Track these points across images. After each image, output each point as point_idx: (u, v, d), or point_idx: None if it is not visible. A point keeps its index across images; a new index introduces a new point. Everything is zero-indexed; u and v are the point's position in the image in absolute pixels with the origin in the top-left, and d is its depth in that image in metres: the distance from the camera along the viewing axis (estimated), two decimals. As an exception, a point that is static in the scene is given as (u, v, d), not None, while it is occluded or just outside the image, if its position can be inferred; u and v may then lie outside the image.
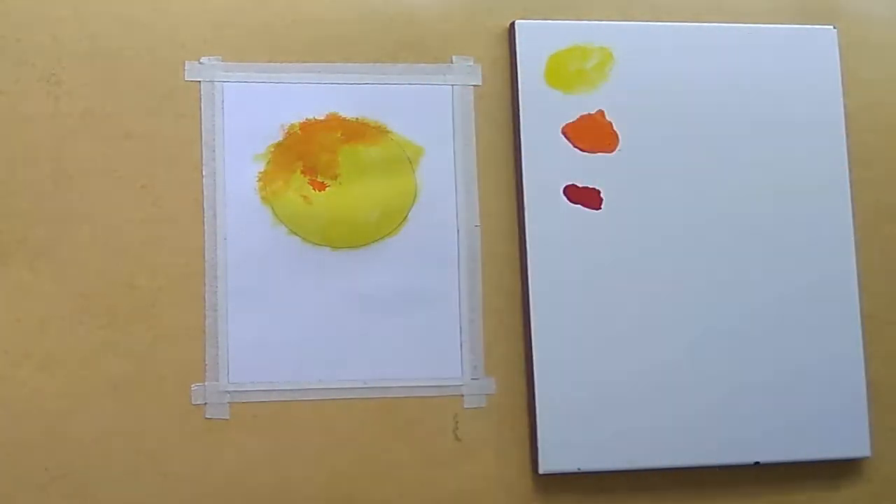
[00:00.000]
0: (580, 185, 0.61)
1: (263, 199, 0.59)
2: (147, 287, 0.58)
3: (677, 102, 0.63)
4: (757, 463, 0.61)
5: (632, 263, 0.61)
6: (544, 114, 0.62)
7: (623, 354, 0.61)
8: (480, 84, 0.62)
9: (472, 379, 0.60)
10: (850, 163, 0.64)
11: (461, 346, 0.60)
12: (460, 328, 0.60)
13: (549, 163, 0.61)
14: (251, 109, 0.60)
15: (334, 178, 0.60)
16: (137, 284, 0.58)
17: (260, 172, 0.60)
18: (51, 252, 0.58)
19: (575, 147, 0.62)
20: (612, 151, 0.62)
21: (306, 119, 0.60)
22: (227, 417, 0.58)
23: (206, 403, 0.58)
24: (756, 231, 0.63)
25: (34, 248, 0.58)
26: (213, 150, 0.59)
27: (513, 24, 0.62)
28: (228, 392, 0.58)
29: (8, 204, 0.58)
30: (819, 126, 0.64)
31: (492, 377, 0.60)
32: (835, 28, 0.65)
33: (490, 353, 0.60)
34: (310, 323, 0.59)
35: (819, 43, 0.65)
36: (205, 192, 0.59)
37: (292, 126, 0.60)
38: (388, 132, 0.61)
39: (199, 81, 0.60)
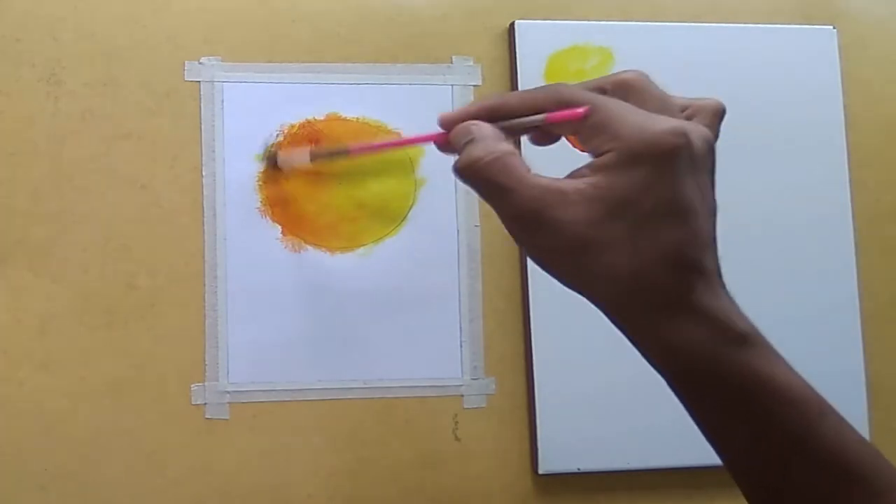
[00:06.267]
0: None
1: (263, 199, 0.59)
2: (147, 287, 0.58)
3: (677, 102, 0.63)
4: (757, 463, 0.61)
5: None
6: (544, 114, 0.61)
7: (623, 354, 0.60)
8: (480, 84, 0.62)
9: (472, 379, 0.60)
10: (850, 163, 0.64)
11: (461, 346, 0.60)
12: (460, 328, 0.60)
13: (549, 163, 0.61)
14: (251, 109, 0.60)
15: (334, 177, 0.60)
16: (137, 284, 0.58)
17: (260, 172, 0.60)
18: (51, 252, 0.58)
19: (575, 147, 0.62)
20: (612, 151, 0.62)
21: (306, 119, 0.60)
22: (227, 417, 0.58)
23: (206, 403, 0.58)
24: (755, 231, 0.63)
25: (34, 248, 0.58)
26: (213, 150, 0.59)
27: (513, 24, 0.62)
28: (228, 392, 0.58)
29: (8, 204, 0.58)
30: (819, 126, 0.64)
31: (492, 377, 0.60)
32: (835, 28, 0.65)
33: (490, 353, 0.60)
34: (309, 323, 0.59)
35: (819, 43, 0.65)
36: (205, 192, 0.59)
37: (292, 126, 0.60)
38: (388, 132, 0.61)
39: (199, 81, 0.60)
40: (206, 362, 0.58)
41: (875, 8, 0.67)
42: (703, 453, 0.62)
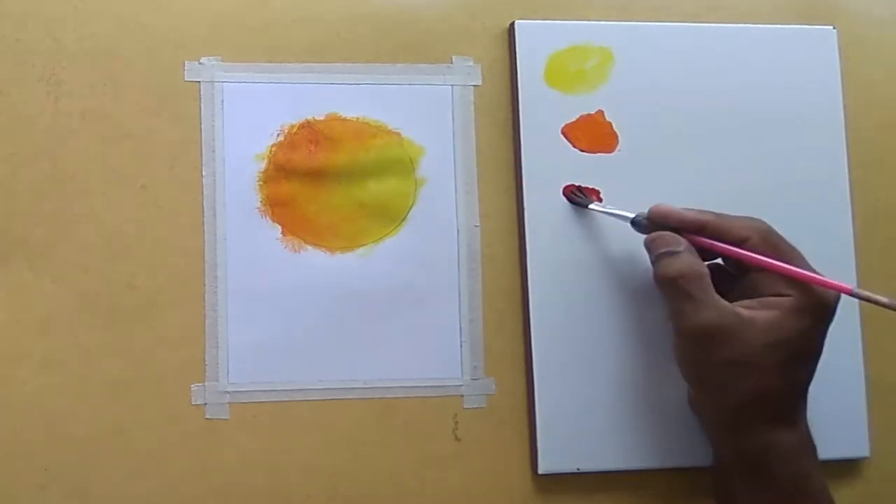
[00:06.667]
0: (580, 185, 0.61)
1: (263, 199, 0.59)
2: (147, 287, 0.58)
3: (677, 102, 0.63)
4: (757, 463, 0.61)
5: (632, 263, 0.61)
6: (544, 114, 0.62)
7: (623, 354, 0.61)
8: (480, 84, 0.62)
9: (472, 379, 0.60)
10: (850, 163, 0.64)
11: (461, 346, 0.60)
12: (460, 328, 0.60)
13: (549, 163, 0.62)
14: (251, 109, 0.60)
15: (334, 177, 0.60)
16: (137, 284, 0.58)
17: (260, 172, 0.60)
18: (51, 252, 0.58)
19: (575, 147, 0.62)
20: (612, 151, 0.62)
21: (306, 119, 0.60)
22: (227, 417, 0.58)
23: (206, 403, 0.58)
24: (756, 231, 0.63)
25: (34, 248, 0.58)
26: (213, 150, 0.59)
27: (513, 24, 0.62)
28: (228, 392, 0.58)
29: (8, 204, 0.58)
30: (819, 126, 0.64)
31: (492, 377, 0.60)
32: (835, 28, 0.65)
33: (490, 353, 0.60)
34: (310, 323, 0.59)
35: (819, 43, 0.65)
36: (205, 192, 0.59)
37: (292, 126, 0.60)
38: (388, 132, 0.61)
39: (199, 81, 0.60)
40: (206, 362, 0.58)
41: (875, 8, 0.67)
42: (703, 453, 0.63)
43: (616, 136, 0.62)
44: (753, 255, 0.51)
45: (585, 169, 0.62)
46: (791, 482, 0.50)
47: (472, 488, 0.59)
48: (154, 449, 0.57)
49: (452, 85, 0.62)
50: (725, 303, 0.49)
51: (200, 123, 0.60)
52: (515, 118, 0.62)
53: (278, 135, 0.60)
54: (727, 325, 0.48)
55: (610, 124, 0.62)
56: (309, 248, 0.60)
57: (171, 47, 0.60)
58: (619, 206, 0.61)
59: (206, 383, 0.58)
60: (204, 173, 0.59)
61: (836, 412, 0.62)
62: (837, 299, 0.50)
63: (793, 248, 0.52)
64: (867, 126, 0.65)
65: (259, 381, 0.58)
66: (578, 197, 0.60)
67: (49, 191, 0.58)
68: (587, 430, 0.59)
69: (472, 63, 0.63)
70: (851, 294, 0.51)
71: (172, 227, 0.59)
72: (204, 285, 0.59)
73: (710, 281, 0.49)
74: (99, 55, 0.59)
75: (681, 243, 0.51)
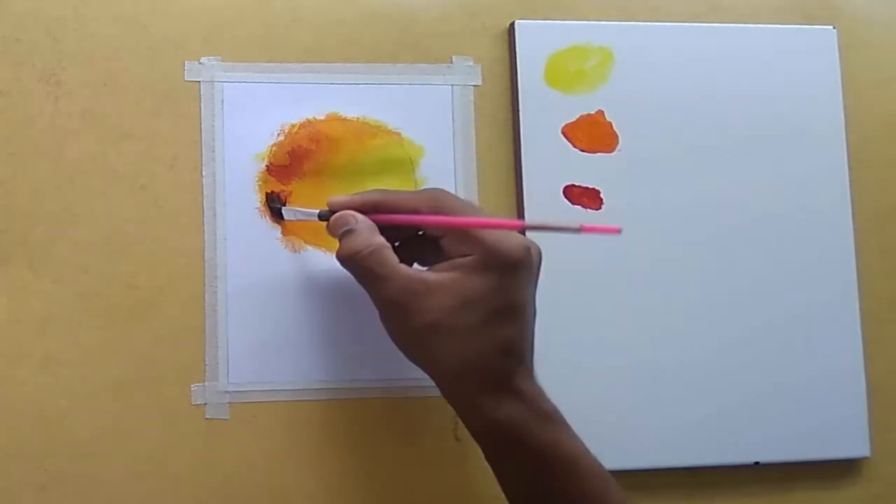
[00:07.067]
0: (580, 185, 0.61)
1: (263, 199, 0.59)
2: (147, 287, 0.58)
3: (677, 102, 0.63)
4: (757, 463, 0.61)
5: (632, 264, 0.61)
6: (544, 114, 0.62)
7: (622, 355, 0.61)
8: (480, 84, 0.62)
9: (472, 379, 0.60)
10: (850, 163, 0.64)
11: (461, 346, 0.60)
12: (460, 328, 0.60)
13: (549, 163, 0.62)
14: (251, 109, 0.60)
15: (335, 177, 0.60)
16: (137, 284, 0.58)
17: (260, 172, 0.60)
18: (51, 252, 0.58)
19: (575, 147, 0.62)
20: (612, 151, 0.62)
21: (306, 119, 0.60)
22: (227, 418, 0.58)
23: (206, 403, 0.58)
24: (756, 231, 0.63)
25: (34, 248, 0.58)
26: (213, 151, 0.59)
27: (513, 24, 0.62)
28: (228, 392, 0.58)
29: (8, 204, 0.58)
30: (819, 126, 0.64)
31: (492, 377, 0.60)
32: (835, 28, 0.65)
33: (490, 353, 0.60)
34: (310, 323, 0.59)
35: (819, 43, 0.65)
36: (205, 192, 0.59)
37: (292, 126, 0.60)
38: (388, 132, 0.61)
39: (199, 81, 0.60)
40: (206, 362, 0.58)
41: (875, 8, 0.67)
42: (703, 453, 0.63)
43: (616, 136, 0.62)
44: (417, 216, 0.50)
45: (585, 169, 0.62)
46: (534, 455, 0.47)
47: (472, 488, 0.59)
48: (154, 449, 0.57)
49: (452, 85, 0.62)
50: (409, 270, 0.48)
51: (200, 123, 0.60)
52: (515, 118, 0.62)
53: (278, 135, 0.60)
54: (413, 293, 0.47)
55: (610, 124, 0.62)
56: (309, 248, 0.60)
57: (171, 47, 0.60)
58: (620, 206, 0.61)
59: (206, 383, 0.58)
60: (204, 173, 0.59)
61: (836, 412, 0.62)
62: (525, 251, 0.48)
63: (469, 206, 0.50)
64: (867, 126, 0.65)
65: (259, 381, 0.58)
66: (274, 203, 0.59)
67: (49, 191, 0.58)
68: (587, 430, 0.59)
69: (472, 63, 0.63)
70: (524, 228, 0.52)
71: (172, 227, 0.59)
72: (204, 285, 0.58)
73: (389, 253, 0.48)
74: (99, 55, 0.59)
75: (357, 220, 0.50)
